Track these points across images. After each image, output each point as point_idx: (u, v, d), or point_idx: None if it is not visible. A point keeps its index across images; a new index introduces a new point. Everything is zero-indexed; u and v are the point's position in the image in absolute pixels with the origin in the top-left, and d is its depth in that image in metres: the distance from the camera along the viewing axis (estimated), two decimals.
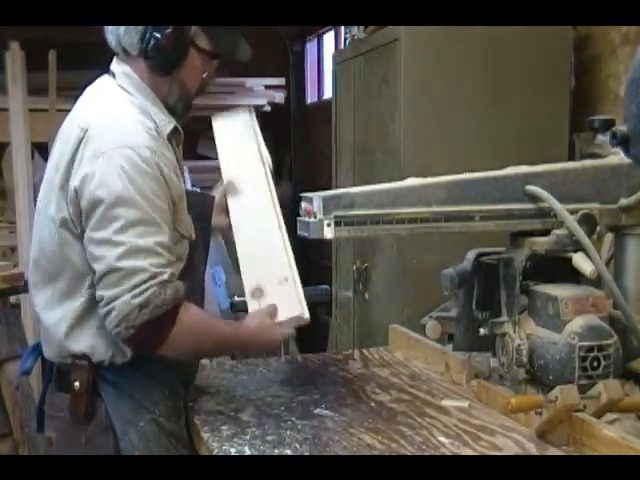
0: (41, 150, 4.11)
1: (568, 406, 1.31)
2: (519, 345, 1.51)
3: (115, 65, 1.63)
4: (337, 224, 1.45)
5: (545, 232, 1.54)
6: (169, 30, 1.55)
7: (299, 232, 1.51)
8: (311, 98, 5.77)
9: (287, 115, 5.65)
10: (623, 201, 1.57)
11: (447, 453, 1.36)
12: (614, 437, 1.25)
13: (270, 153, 1.83)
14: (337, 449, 1.39)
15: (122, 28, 1.57)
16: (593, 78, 2.78)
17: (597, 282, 1.51)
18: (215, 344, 1.60)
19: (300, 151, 5.26)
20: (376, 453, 1.37)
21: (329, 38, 5.12)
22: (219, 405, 1.64)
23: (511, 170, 1.57)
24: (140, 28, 1.55)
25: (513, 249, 1.58)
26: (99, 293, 1.47)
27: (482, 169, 1.57)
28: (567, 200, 1.54)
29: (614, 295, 1.49)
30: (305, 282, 1.64)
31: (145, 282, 1.43)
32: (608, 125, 1.68)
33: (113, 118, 1.54)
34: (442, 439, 1.42)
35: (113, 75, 1.62)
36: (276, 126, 4.71)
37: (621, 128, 1.39)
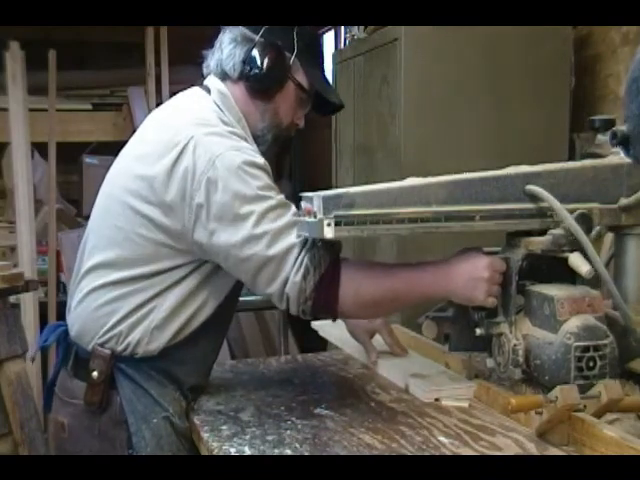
0: (41, 150, 4.11)
1: (568, 406, 1.31)
2: (515, 345, 1.50)
3: (211, 82, 1.68)
4: (337, 224, 1.44)
5: (542, 232, 1.54)
6: (271, 56, 1.61)
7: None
8: None
9: None
10: (623, 201, 1.57)
11: (447, 453, 1.36)
12: (614, 437, 1.25)
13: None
14: (337, 449, 1.39)
15: (225, 52, 1.64)
16: (593, 78, 2.78)
17: (593, 282, 1.51)
18: (392, 290, 1.53)
19: (300, 151, 5.25)
20: (376, 453, 1.37)
21: (329, 38, 5.11)
22: (219, 405, 1.65)
23: (511, 170, 1.57)
24: (243, 52, 1.62)
25: (509, 249, 1.57)
26: (266, 292, 1.52)
27: (482, 169, 1.57)
28: (567, 200, 1.54)
29: (612, 295, 1.48)
30: None
31: (299, 255, 1.49)
32: (608, 125, 1.68)
33: (213, 127, 1.57)
34: (442, 439, 1.42)
35: (207, 90, 1.67)
36: None
37: (621, 128, 1.38)
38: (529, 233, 1.55)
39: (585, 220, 1.51)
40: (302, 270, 1.49)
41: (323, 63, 1.79)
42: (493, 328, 1.57)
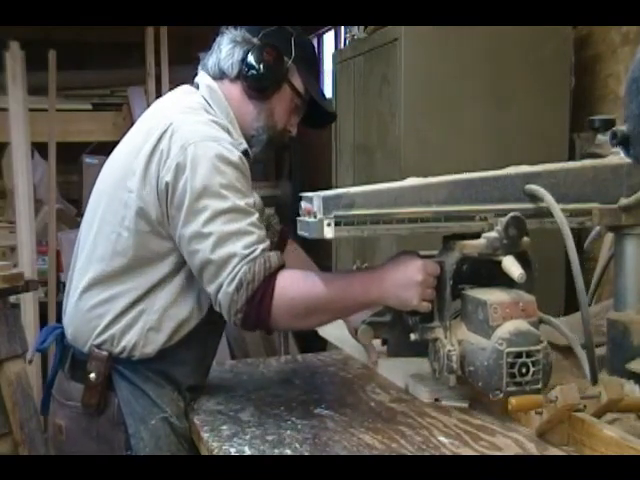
0: (41, 150, 4.11)
1: (568, 406, 1.31)
2: (449, 351, 1.48)
3: (201, 78, 1.69)
4: (337, 224, 1.44)
5: (477, 235, 1.50)
6: (269, 57, 1.63)
7: (299, 232, 1.51)
8: None
9: None
10: (623, 201, 1.57)
11: (447, 453, 1.36)
12: (614, 437, 1.25)
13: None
14: (337, 449, 1.39)
15: (224, 52, 1.65)
16: (593, 78, 2.78)
17: (528, 286, 1.48)
18: (324, 300, 1.50)
19: (300, 151, 5.25)
20: (376, 453, 1.37)
21: (329, 38, 5.12)
22: (219, 405, 1.65)
23: (511, 170, 1.57)
24: (242, 52, 1.64)
25: (445, 252, 1.54)
26: (206, 289, 1.52)
27: (482, 169, 1.57)
28: (567, 200, 1.54)
29: (577, 289, 1.43)
30: None
31: (236, 266, 1.46)
32: (608, 125, 1.68)
33: (195, 115, 1.59)
34: (442, 439, 1.42)
35: (197, 87, 1.69)
36: None
37: (621, 128, 1.39)
38: (464, 236, 1.52)
39: (518, 223, 1.47)
40: (235, 282, 1.46)
41: (319, 75, 1.80)
42: (428, 333, 1.53)
